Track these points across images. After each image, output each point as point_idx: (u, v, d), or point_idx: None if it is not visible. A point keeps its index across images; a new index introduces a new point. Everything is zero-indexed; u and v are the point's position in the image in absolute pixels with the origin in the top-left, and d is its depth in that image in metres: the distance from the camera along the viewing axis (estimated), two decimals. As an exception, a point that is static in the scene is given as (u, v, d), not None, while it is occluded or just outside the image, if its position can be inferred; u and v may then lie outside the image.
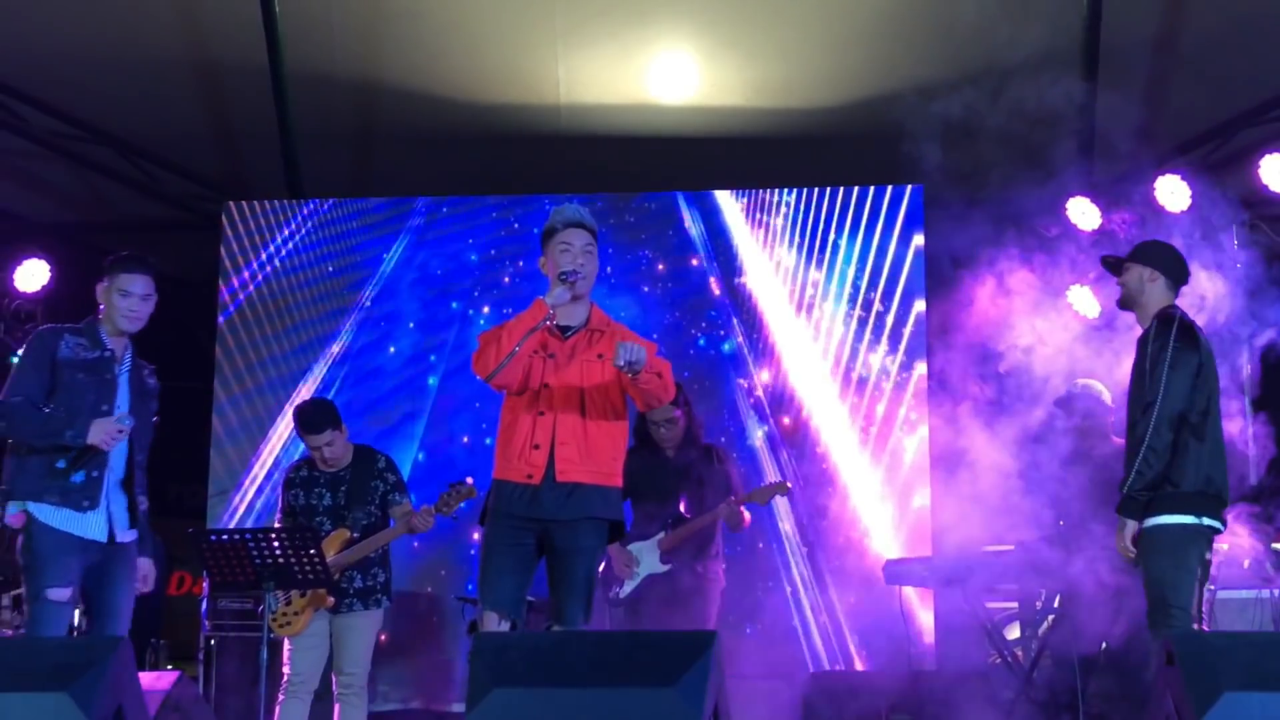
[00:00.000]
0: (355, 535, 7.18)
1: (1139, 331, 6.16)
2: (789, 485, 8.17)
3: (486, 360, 5.78)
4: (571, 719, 5.17)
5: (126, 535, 6.45)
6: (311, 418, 7.39)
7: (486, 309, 9.82)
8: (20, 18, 9.41)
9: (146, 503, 6.69)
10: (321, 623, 7.18)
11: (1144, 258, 6.20)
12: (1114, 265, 6.29)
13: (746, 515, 7.78)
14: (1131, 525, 5.91)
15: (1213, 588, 7.30)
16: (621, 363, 5.59)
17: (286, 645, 7.24)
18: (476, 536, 9.23)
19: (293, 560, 6.80)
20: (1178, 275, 6.21)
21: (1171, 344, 5.89)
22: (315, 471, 7.43)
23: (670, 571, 7.65)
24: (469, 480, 7.30)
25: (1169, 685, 5.30)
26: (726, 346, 9.65)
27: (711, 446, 8.12)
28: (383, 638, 7.71)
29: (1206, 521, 5.92)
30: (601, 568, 7.43)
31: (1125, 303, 6.25)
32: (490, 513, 5.89)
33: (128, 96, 10.07)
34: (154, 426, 6.82)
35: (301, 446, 7.72)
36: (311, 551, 6.82)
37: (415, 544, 9.44)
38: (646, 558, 7.70)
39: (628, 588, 7.69)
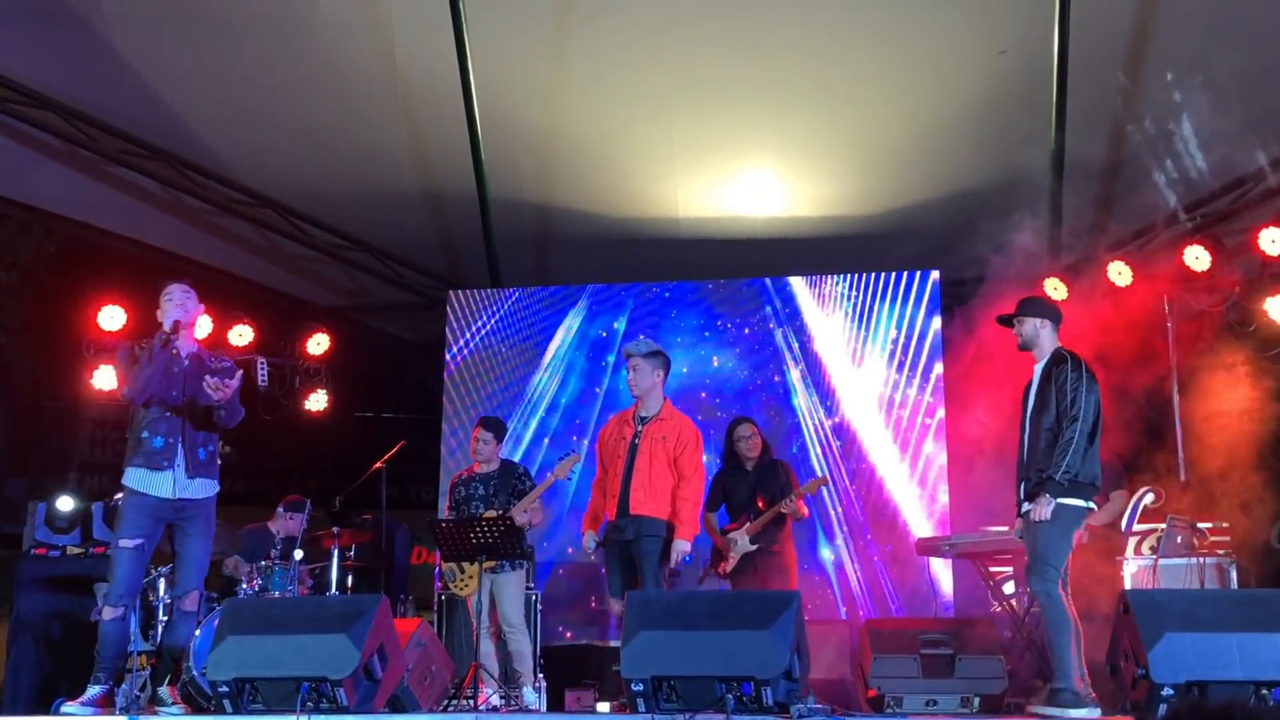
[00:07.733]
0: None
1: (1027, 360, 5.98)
2: (826, 479, 8.53)
3: None
4: (695, 652, 5.22)
5: (193, 491, 5.97)
6: (490, 419, 7.84)
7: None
8: (303, 162, 9.72)
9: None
10: (486, 583, 7.20)
11: (1034, 311, 5.96)
12: (1009, 321, 6.02)
13: (804, 509, 7.76)
14: (1053, 501, 5.61)
15: (1155, 556, 7.18)
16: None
17: (470, 603, 7.34)
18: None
19: (499, 540, 6.91)
20: (1058, 319, 5.98)
21: (1085, 375, 5.69)
22: (472, 475, 7.59)
23: (758, 549, 7.63)
24: (575, 452, 7.63)
25: (1125, 628, 5.25)
26: (795, 387, 9.60)
27: (779, 461, 8.14)
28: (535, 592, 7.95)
29: (1088, 505, 5.73)
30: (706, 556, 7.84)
31: (1024, 346, 5.98)
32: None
33: (379, 216, 10.29)
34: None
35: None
36: (513, 535, 6.92)
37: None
38: (740, 541, 7.66)
39: (731, 564, 7.69)
